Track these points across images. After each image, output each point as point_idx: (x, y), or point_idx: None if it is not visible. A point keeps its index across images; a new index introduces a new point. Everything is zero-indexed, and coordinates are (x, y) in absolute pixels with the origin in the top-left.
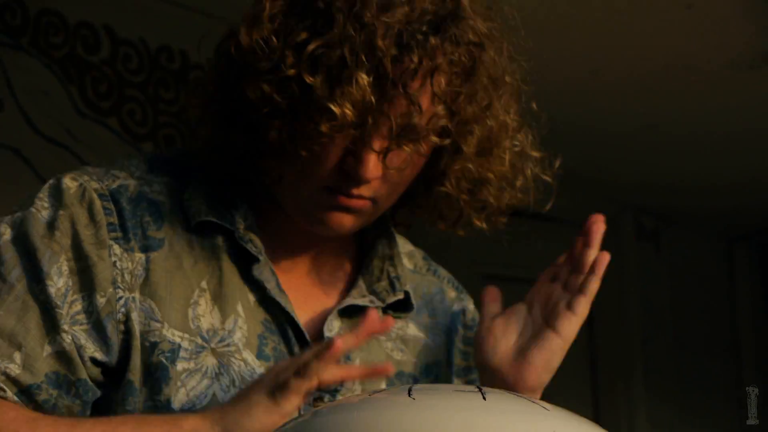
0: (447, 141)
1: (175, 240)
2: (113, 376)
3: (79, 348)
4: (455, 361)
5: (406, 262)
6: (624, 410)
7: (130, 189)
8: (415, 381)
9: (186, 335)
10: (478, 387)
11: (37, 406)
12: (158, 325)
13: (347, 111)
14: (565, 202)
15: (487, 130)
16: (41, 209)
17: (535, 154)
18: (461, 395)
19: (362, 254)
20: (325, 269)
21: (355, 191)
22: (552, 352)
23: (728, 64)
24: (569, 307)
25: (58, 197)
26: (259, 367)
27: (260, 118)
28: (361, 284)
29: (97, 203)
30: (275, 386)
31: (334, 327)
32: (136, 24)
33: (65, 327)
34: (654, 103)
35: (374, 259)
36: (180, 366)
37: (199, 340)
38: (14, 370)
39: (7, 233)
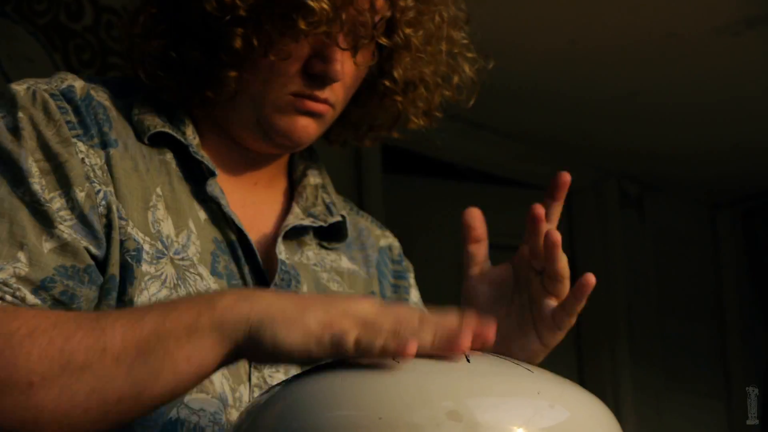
0: (399, 35)
1: (129, 144)
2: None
3: (76, 239)
4: (387, 293)
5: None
6: (609, 375)
7: (78, 90)
8: None
9: (147, 238)
10: None
11: (56, 302)
12: (123, 222)
13: (324, 5)
14: (548, 169)
15: (432, 23)
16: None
17: (470, 54)
18: (445, 358)
19: (292, 185)
20: (261, 197)
21: (321, 95)
22: (534, 354)
23: (711, 31)
24: (554, 320)
25: (11, 102)
26: (213, 283)
27: (220, 27)
28: (296, 210)
29: (51, 103)
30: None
31: (281, 250)
32: None
33: (59, 220)
34: (637, 70)
35: (307, 187)
36: (144, 267)
37: (160, 245)
38: (23, 268)
39: None
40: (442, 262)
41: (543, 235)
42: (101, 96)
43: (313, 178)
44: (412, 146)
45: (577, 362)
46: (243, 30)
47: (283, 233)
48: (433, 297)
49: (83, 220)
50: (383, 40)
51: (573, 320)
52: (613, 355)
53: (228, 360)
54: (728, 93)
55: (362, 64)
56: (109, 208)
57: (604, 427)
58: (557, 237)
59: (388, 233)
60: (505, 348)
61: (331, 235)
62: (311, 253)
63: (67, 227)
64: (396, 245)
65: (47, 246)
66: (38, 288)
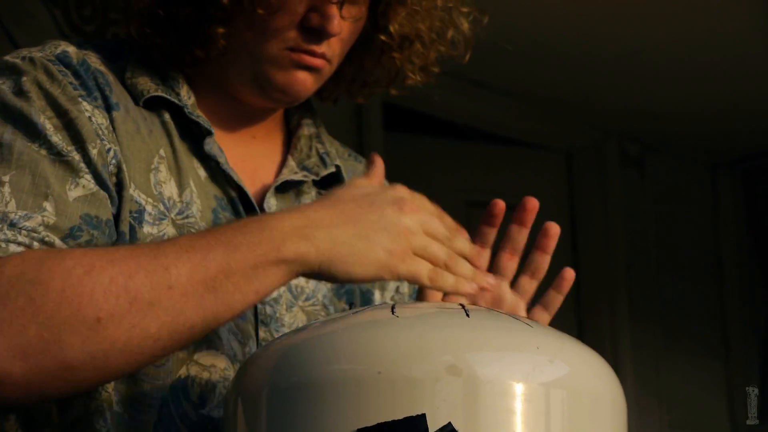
0: None
1: (129, 108)
2: None
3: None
4: None
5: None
6: (608, 334)
7: (73, 55)
8: None
9: (150, 199)
10: (461, 305)
11: None
12: (126, 184)
13: None
14: (549, 128)
15: None
16: (1, 84)
17: (464, 9)
18: (445, 312)
19: (290, 136)
20: (260, 151)
21: (318, 49)
22: None
23: None
24: (544, 305)
25: (10, 71)
26: None
27: None
28: (291, 163)
29: (51, 66)
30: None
31: (271, 205)
32: None
33: (83, 171)
34: (639, 28)
35: (302, 138)
36: (146, 229)
37: (161, 207)
38: (50, 217)
39: None
40: None
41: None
42: (94, 61)
43: (308, 129)
44: (413, 105)
45: (577, 321)
46: None
47: (273, 188)
48: None
49: (97, 178)
50: None
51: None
52: (613, 315)
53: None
54: (730, 52)
55: (355, 19)
56: (119, 167)
57: (604, 381)
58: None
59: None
60: None
61: (329, 184)
62: (308, 200)
63: (89, 179)
64: None
65: (72, 194)
66: (67, 236)
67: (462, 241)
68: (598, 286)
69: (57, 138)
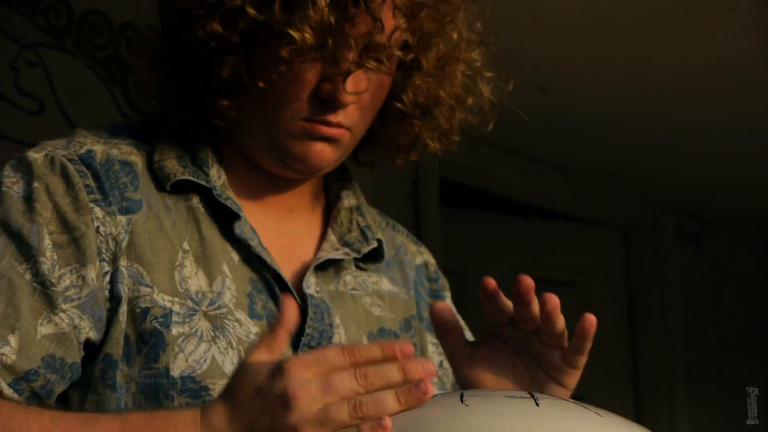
0: (410, 56)
1: (152, 201)
2: (90, 352)
3: (75, 329)
4: (424, 314)
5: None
6: (666, 414)
7: (98, 153)
8: (396, 336)
9: (176, 299)
10: (530, 393)
11: (33, 395)
12: (148, 290)
13: (307, 35)
14: (606, 204)
15: (446, 44)
16: (12, 185)
17: (488, 74)
18: (514, 401)
19: (329, 207)
20: (297, 224)
21: (333, 119)
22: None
23: None
24: (568, 363)
25: (27, 170)
26: (253, 327)
27: (211, 55)
28: (331, 237)
29: (70, 167)
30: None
31: (310, 283)
32: None
33: (62, 306)
34: (697, 105)
35: (341, 210)
36: (175, 330)
37: (190, 303)
38: (10, 356)
39: None
40: None
41: (531, 302)
42: (124, 150)
43: (348, 200)
44: (470, 181)
45: (634, 402)
46: (232, 58)
47: (312, 267)
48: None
49: (91, 300)
50: (397, 53)
51: (585, 357)
52: (671, 395)
53: None
54: None
55: (376, 84)
56: (113, 286)
57: None
58: (555, 300)
59: (423, 248)
60: None
61: (368, 257)
62: (349, 277)
63: (72, 307)
64: (431, 262)
65: (42, 330)
66: (20, 379)
67: (381, 369)
68: (655, 365)
69: (54, 258)
